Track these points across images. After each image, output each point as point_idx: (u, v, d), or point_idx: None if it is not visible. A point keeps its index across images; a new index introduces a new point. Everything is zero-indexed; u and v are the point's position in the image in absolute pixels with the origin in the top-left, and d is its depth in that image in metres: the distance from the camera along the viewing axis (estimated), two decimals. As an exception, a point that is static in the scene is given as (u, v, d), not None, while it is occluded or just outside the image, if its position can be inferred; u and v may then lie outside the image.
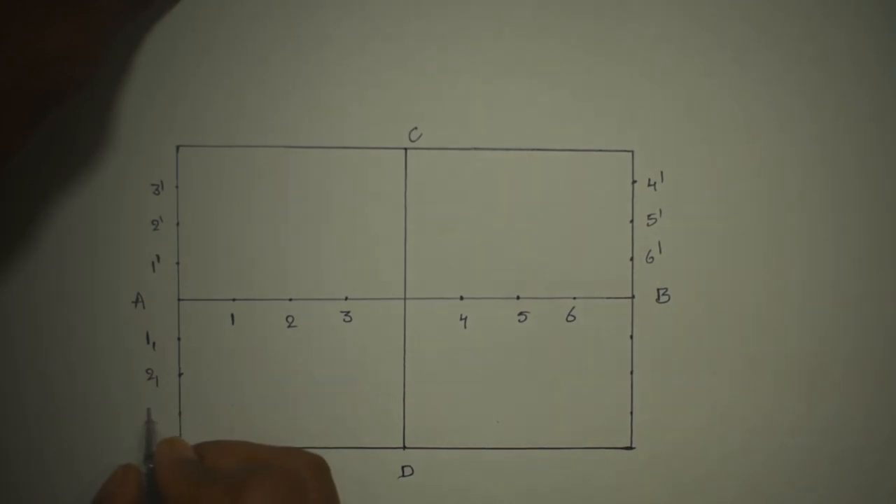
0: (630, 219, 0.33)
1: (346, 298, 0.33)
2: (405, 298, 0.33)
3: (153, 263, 0.33)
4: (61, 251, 0.33)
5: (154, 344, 0.33)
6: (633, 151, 0.33)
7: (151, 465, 0.31)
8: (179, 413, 0.33)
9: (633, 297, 0.33)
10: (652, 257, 0.33)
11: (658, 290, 0.33)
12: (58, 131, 0.32)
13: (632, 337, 0.33)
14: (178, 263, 0.33)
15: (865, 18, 0.33)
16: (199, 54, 0.32)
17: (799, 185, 0.33)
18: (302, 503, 0.30)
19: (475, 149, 0.33)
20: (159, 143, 0.33)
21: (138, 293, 0.33)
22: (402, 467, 0.33)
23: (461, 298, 0.33)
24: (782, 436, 0.33)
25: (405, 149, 0.33)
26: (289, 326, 0.33)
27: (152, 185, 0.33)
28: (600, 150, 0.33)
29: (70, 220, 0.33)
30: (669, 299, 0.33)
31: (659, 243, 0.33)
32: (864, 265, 0.33)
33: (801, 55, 0.33)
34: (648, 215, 0.33)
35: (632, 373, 0.33)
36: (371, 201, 0.33)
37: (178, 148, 0.33)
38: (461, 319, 0.33)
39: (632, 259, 0.33)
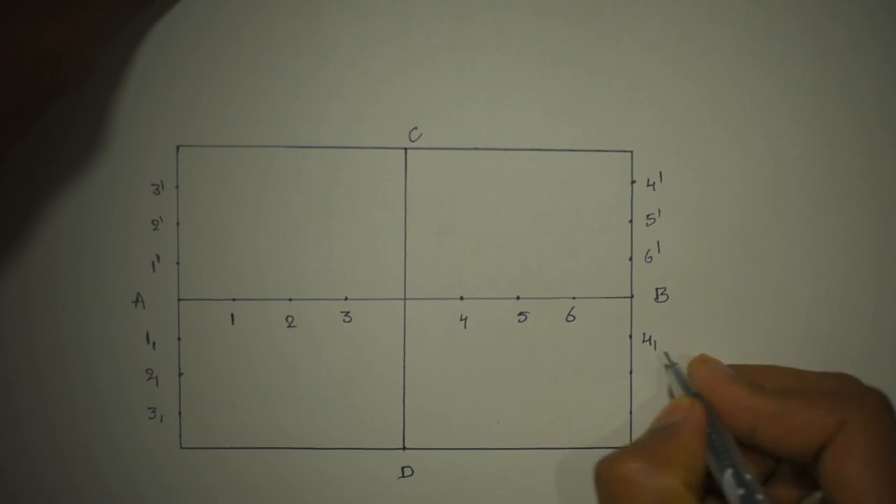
0: (629, 219, 0.33)
1: (346, 298, 0.33)
2: (405, 298, 0.33)
3: (153, 263, 0.33)
4: (61, 251, 0.32)
5: (154, 344, 0.33)
6: (632, 151, 0.33)
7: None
8: (179, 413, 0.33)
9: (632, 296, 0.33)
10: (651, 257, 0.33)
11: (657, 289, 0.33)
12: (57, 130, 0.32)
13: (631, 336, 0.33)
14: (178, 263, 0.33)
15: (867, 18, 0.33)
16: (199, 54, 0.32)
17: (799, 184, 0.34)
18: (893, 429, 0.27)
19: (475, 149, 0.33)
20: (159, 143, 0.33)
21: (138, 293, 0.33)
22: (402, 468, 0.33)
23: (461, 298, 0.33)
24: (781, 435, 0.34)
25: (405, 149, 0.33)
26: (289, 326, 0.33)
27: (152, 185, 0.33)
28: (599, 151, 0.33)
29: (69, 219, 0.32)
30: (668, 299, 0.33)
31: (658, 243, 0.34)
32: (866, 265, 0.34)
33: (803, 53, 0.33)
34: (647, 215, 0.33)
35: (631, 373, 0.33)
36: (371, 201, 0.33)
37: (178, 148, 0.33)
38: (461, 319, 0.33)
39: (631, 259, 0.33)
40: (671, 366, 0.32)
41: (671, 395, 0.33)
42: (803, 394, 0.28)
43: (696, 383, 0.30)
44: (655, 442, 0.29)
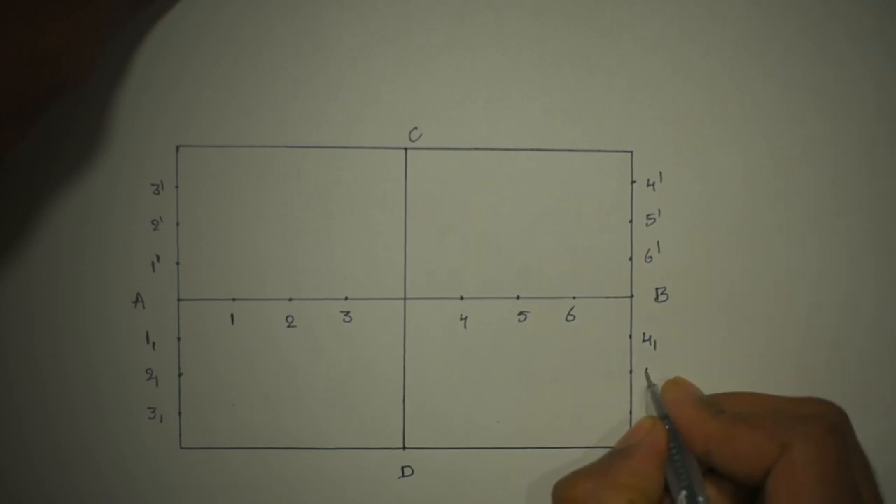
0: (629, 219, 0.33)
1: (346, 298, 0.33)
2: (405, 298, 0.33)
3: (153, 263, 0.33)
4: (61, 251, 0.32)
5: (154, 344, 0.33)
6: (632, 151, 0.33)
7: (668, 426, 0.31)
8: (179, 413, 0.33)
9: (632, 296, 0.33)
10: (651, 257, 0.33)
11: (657, 289, 0.33)
12: (58, 130, 0.32)
13: (631, 336, 0.33)
14: (178, 263, 0.33)
15: (867, 18, 0.33)
16: (199, 54, 0.32)
17: (799, 184, 0.33)
18: (846, 454, 0.28)
19: (475, 149, 0.33)
20: (159, 143, 0.33)
21: (138, 293, 0.33)
22: (402, 467, 0.33)
23: (461, 298, 0.33)
24: (781, 435, 0.34)
25: (405, 149, 0.33)
26: (289, 326, 0.33)
27: (152, 185, 0.33)
28: (599, 151, 0.33)
29: (69, 219, 0.32)
30: (668, 299, 0.33)
31: (658, 243, 0.34)
32: (866, 265, 0.34)
33: (803, 53, 0.33)
34: (647, 215, 0.33)
35: (631, 372, 0.33)
36: (371, 201, 0.33)
37: (178, 148, 0.33)
38: (461, 319, 0.33)
39: (631, 259, 0.33)
40: (650, 386, 0.33)
41: (656, 408, 0.33)
42: (752, 419, 0.29)
43: (665, 404, 0.31)
44: (609, 463, 0.30)
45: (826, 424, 0.28)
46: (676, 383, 0.32)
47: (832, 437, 0.28)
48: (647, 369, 0.33)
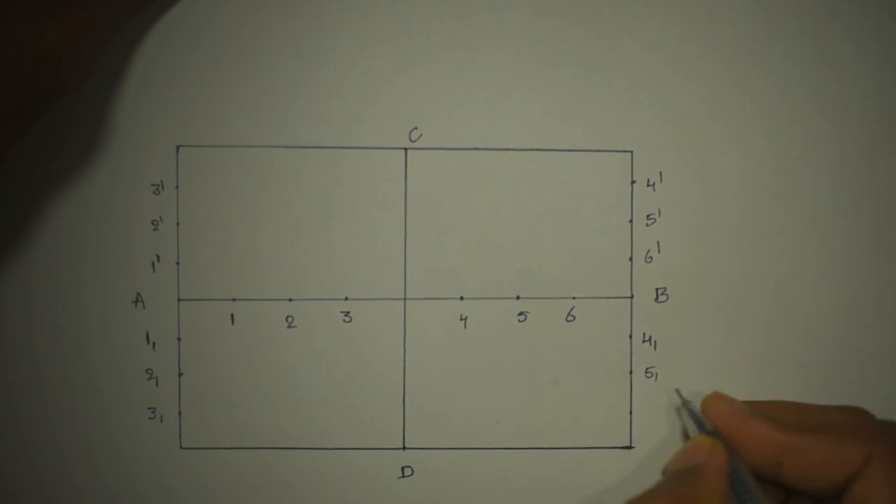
0: (629, 219, 0.33)
1: (346, 298, 0.33)
2: (405, 298, 0.33)
3: (153, 263, 0.33)
4: (60, 251, 0.32)
5: (154, 344, 0.33)
6: (632, 152, 0.33)
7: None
8: (179, 413, 0.33)
9: (632, 296, 0.33)
10: (651, 257, 0.33)
11: (657, 289, 0.33)
12: (57, 130, 0.32)
13: (631, 336, 0.33)
14: (178, 263, 0.33)
15: (867, 18, 0.33)
16: (199, 54, 0.32)
17: (799, 184, 0.34)
18: None
19: (475, 149, 0.33)
20: (159, 143, 0.33)
21: (138, 293, 0.33)
22: (402, 467, 0.33)
23: (461, 298, 0.33)
24: (781, 435, 0.34)
25: (405, 149, 0.33)
26: (289, 326, 0.33)
27: (152, 185, 0.33)
28: (599, 151, 0.33)
29: (69, 219, 0.32)
30: (668, 299, 0.33)
31: (658, 243, 0.34)
32: (866, 265, 0.34)
33: (803, 53, 0.33)
34: (647, 215, 0.33)
35: (631, 372, 0.33)
36: (371, 201, 0.33)
37: (178, 148, 0.33)
38: (461, 319, 0.33)
39: (631, 259, 0.33)
40: (685, 403, 0.32)
41: (685, 434, 0.32)
42: (829, 427, 0.28)
43: (713, 421, 0.30)
44: (681, 485, 0.28)
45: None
46: (719, 398, 0.31)
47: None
48: (677, 389, 0.32)
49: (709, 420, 0.30)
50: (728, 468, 0.28)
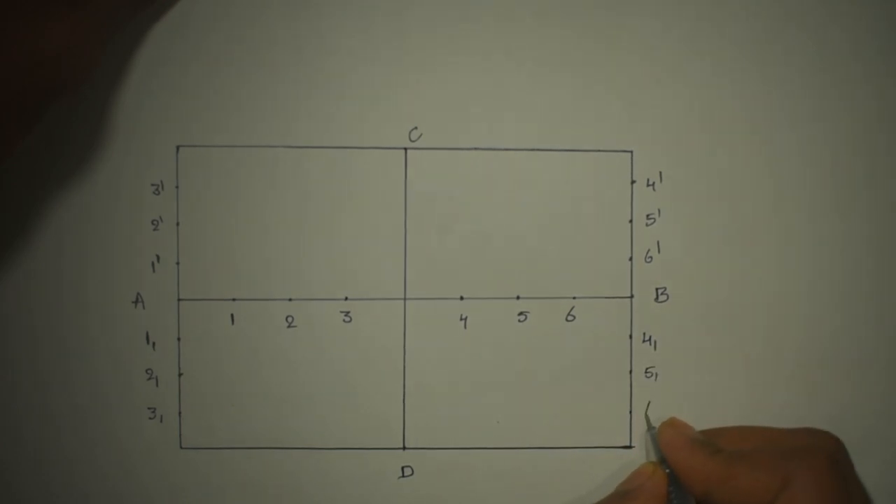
0: (629, 219, 0.33)
1: (346, 298, 0.33)
2: (405, 298, 0.33)
3: (153, 263, 0.33)
4: (60, 251, 0.32)
5: (154, 344, 0.33)
6: (632, 152, 0.33)
7: (667, 470, 0.31)
8: (179, 413, 0.33)
9: (632, 296, 0.33)
10: (651, 257, 0.34)
11: (657, 289, 0.33)
12: (57, 131, 0.32)
13: (631, 336, 0.33)
14: (178, 263, 0.33)
15: (867, 18, 0.33)
16: (199, 54, 0.32)
17: (799, 184, 0.34)
18: (846, 485, 0.28)
19: (475, 149, 0.33)
20: (159, 143, 0.33)
21: (138, 293, 0.33)
22: (402, 468, 0.33)
23: (461, 298, 0.33)
24: (781, 435, 0.34)
25: (405, 149, 0.33)
26: (289, 326, 0.33)
27: (152, 185, 0.33)
28: (599, 151, 0.33)
29: (69, 220, 0.32)
30: (668, 299, 0.33)
31: (658, 243, 0.34)
32: (866, 265, 0.34)
33: (803, 53, 0.33)
34: (647, 215, 0.33)
35: (631, 372, 0.33)
36: (371, 201, 0.33)
37: (178, 148, 0.33)
38: (461, 319, 0.33)
39: (631, 259, 0.34)
40: (649, 429, 0.33)
41: (647, 457, 0.33)
42: (751, 455, 0.29)
43: (661, 447, 0.31)
44: None
45: (825, 456, 0.29)
46: (671, 425, 0.32)
47: (832, 470, 0.28)
48: (646, 411, 0.33)
49: (660, 446, 0.32)
50: (662, 495, 0.30)
